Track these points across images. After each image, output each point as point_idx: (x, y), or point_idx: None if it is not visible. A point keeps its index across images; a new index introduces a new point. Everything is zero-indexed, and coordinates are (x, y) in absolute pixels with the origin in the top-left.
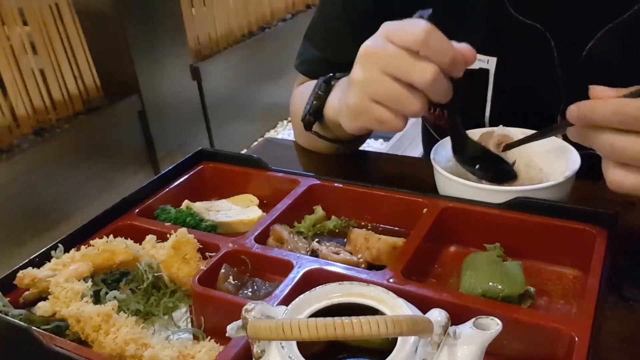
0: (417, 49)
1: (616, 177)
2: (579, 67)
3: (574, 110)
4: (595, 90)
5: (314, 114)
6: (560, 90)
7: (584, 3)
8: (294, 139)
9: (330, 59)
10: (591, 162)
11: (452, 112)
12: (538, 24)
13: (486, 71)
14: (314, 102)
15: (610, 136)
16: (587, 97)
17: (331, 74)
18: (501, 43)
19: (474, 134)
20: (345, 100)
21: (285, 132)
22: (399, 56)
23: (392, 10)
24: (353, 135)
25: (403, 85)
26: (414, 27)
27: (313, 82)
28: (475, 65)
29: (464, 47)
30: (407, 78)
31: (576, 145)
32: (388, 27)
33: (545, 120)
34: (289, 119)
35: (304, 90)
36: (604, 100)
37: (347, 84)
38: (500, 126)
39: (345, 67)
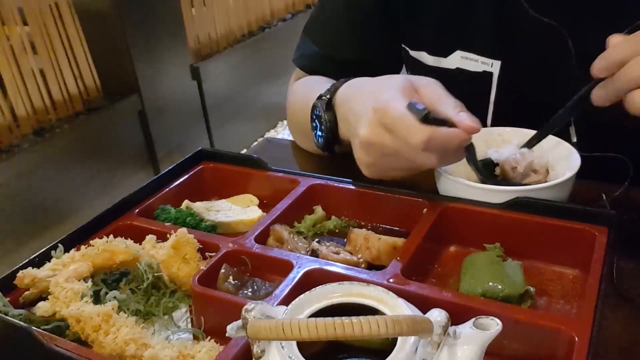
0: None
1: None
2: None
3: (599, 62)
4: (613, 36)
5: (332, 140)
6: (575, 94)
7: (604, 3)
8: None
9: (329, 55)
10: (592, 163)
11: (469, 159)
12: (555, 22)
13: (490, 74)
14: (327, 126)
15: None
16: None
17: (326, 99)
18: (508, 45)
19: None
20: (361, 168)
21: (285, 132)
22: (402, 149)
23: (396, 9)
24: None
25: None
26: (413, 136)
27: (311, 79)
28: (479, 68)
29: (465, 122)
30: (413, 163)
31: (579, 148)
32: (383, 118)
33: None
34: None
35: (302, 88)
36: (623, 38)
37: (355, 154)
38: (526, 150)
39: (343, 63)
